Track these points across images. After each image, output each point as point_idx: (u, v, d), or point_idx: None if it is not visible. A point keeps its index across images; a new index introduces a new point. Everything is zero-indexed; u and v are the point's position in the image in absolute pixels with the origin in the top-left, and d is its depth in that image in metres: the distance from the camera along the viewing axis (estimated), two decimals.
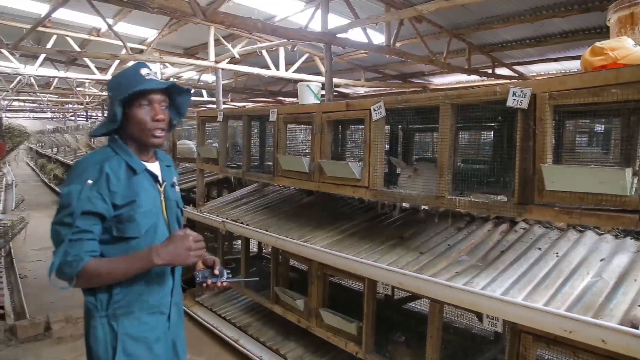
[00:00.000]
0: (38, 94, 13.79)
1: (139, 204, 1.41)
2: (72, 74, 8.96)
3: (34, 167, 18.55)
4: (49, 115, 24.44)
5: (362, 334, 2.44)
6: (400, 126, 3.09)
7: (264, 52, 7.22)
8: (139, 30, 7.21)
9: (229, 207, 3.94)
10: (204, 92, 11.83)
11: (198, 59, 7.63)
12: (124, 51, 6.43)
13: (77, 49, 7.06)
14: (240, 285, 3.54)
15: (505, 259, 2.17)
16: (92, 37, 7.34)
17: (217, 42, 7.00)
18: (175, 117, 1.58)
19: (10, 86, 10.95)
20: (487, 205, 1.89)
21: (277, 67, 7.54)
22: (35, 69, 7.77)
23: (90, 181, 1.34)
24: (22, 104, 18.85)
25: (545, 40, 6.51)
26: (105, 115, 1.52)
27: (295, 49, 6.93)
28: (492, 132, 2.75)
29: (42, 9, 5.95)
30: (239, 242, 3.93)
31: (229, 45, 7.05)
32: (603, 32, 5.56)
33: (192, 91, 10.66)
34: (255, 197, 4.08)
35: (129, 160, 1.44)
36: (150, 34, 7.36)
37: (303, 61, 7.91)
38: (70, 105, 17.71)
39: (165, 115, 1.48)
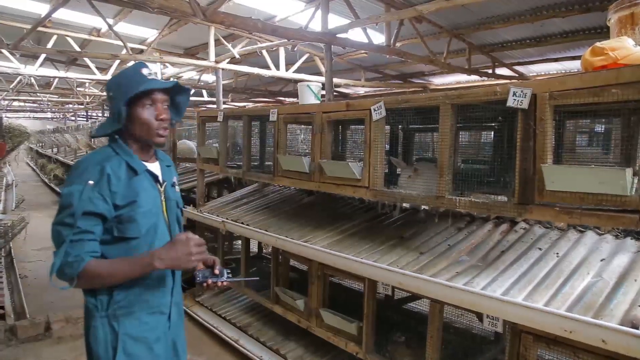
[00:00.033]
0: (38, 94, 13.79)
1: (140, 204, 1.41)
2: (72, 74, 8.96)
3: (34, 167, 18.55)
4: (49, 115, 24.45)
5: (363, 334, 2.44)
6: (400, 126, 3.09)
7: (264, 52, 7.22)
8: (139, 30, 7.21)
9: (229, 207, 3.94)
10: (204, 92, 11.84)
11: (198, 59, 7.63)
12: (124, 51, 6.43)
13: (78, 49, 7.06)
14: (240, 285, 3.55)
15: (505, 259, 2.17)
16: (93, 37, 7.34)
17: (217, 42, 7.00)
18: (174, 117, 1.58)
19: (11, 86, 10.95)
20: (487, 206, 1.89)
21: (277, 67, 7.54)
22: (36, 69, 7.77)
23: (91, 182, 1.34)
24: (22, 104, 18.85)
25: (545, 41, 6.51)
26: (107, 115, 1.51)
27: (295, 49, 6.93)
28: (493, 132, 2.75)
29: (43, 9, 5.95)
30: (239, 242, 3.93)
31: (229, 45, 7.05)
32: (603, 32, 5.56)
33: (192, 91, 10.71)
34: (256, 197, 4.08)
35: (129, 160, 1.44)
36: (150, 34, 7.36)
37: (303, 61, 7.91)
38: (70, 106, 17.71)
39: (168, 115, 1.49)
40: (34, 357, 3.27)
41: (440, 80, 10.41)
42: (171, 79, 6.75)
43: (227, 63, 7.28)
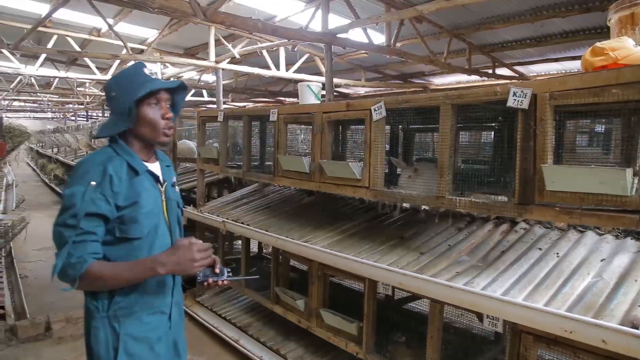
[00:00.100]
0: (38, 94, 13.79)
1: (141, 204, 1.41)
2: (72, 74, 8.96)
3: (35, 167, 18.56)
4: (49, 115, 24.43)
5: (363, 334, 2.44)
6: (400, 126, 3.09)
7: (265, 52, 7.22)
8: (139, 30, 7.21)
9: (229, 207, 3.94)
10: (204, 92, 11.83)
11: (198, 59, 7.63)
12: (124, 51, 6.43)
13: (78, 49, 7.06)
14: (240, 284, 3.55)
15: (505, 259, 2.17)
16: (93, 37, 7.34)
17: (218, 42, 7.00)
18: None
19: (11, 86, 10.95)
20: (487, 206, 1.89)
21: (277, 67, 7.54)
22: (36, 69, 7.78)
23: (93, 182, 1.33)
24: (22, 104, 18.84)
25: (545, 41, 6.51)
26: (110, 115, 1.51)
27: (295, 49, 6.93)
28: (493, 132, 2.75)
29: (43, 9, 5.95)
30: (240, 242, 3.93)
31: (230, 46, 7.05)
32: (604, 32, 5.56)
33: (193, 91, 10.64)
34: (256, 197, 4.09)
35: (130, 160, 1.44)
36: (150, 34, 7.36)
37: (303, 61, 7.91)
38: (70, 105, 17.71)
39: (172, 114, 1.50)
40: (34, 357, 3.27)
41: (441, 81, 10.41)
42: (171, 79, 6.76)
43: (227, 63, 7.28)
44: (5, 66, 7.50)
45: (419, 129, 3.22)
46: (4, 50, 6.29)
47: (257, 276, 1.89)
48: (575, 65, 7.64)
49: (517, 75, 8.11)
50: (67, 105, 17.87)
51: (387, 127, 2.60)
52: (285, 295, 3.04)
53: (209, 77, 10.84)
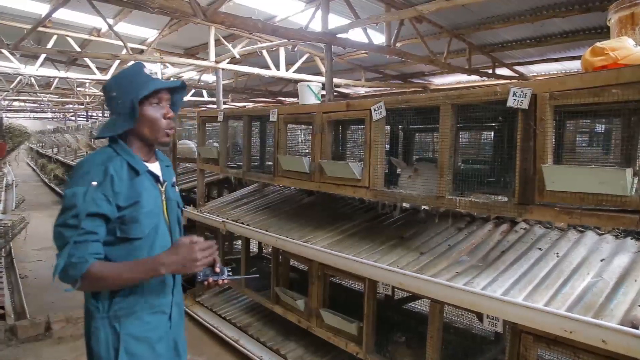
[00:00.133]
0: (38, 94, 13.79)
1: (142, 204, 1.41)
2: (72, 74, 8.96)
3: (35, 167, 18.56)
4: (49, 115, 24.42)
5: (363, 334, 2.44)
6: (400, 126, 3.09)
7: (265, 52, 7.22)
8: (139, 30, 7.21)
9: (229, 207, 3.94)
10: (204, 92, 11.83)
11: (198, 59, 7.63)
12: (124, 51, 6.43)
13: (78, 49, 7.06)
14: (240, 284, 3.55)
15: (505, 259, 2.17)
16: (93, 37, 7.34)
17: (218, 42, 7.00)
18: None
19: (11, 86, 10.95)
20: (487, 206, 1.89)
21: (277, 67, 7.54)
22: (36, 69, 7.77)
23: (95, 182, 1.33)
24: (22, 104, 18.84)
25: (545, 41, 6.51)
26: (110, 116, 1.50)
27: (295, 49, 6.93)
28: (493, 132, 2.75)
29: (43, 9, 5.95)
30: (240, 242, 3.93)
31: (230, 46, 7.05)
32: (604, 32, 5.56)
33: (193, 91, 10.64)
34: (256, 197, 4.08)
35: (130, 160, 1.44)
36: (150, 34, 7.36)
37: (303, 61, 7.91)
38: (70, 106, 17.70)
39: (172, 113, 1.51)
40: (34, 357, 3.27)
41: (441, 81, 10.41)
42: (171, 79, 6.77)
43: (227, 63, 7.28)
44: (5, 66, 7.50)
45: (419, 129, 3.22)
46: (4, 50, 6.29)
47: (257, 275, 1.89)
48: (575, 65, 7.64)
49: (517, 75, 8.11)
50: (67, 106, 17.87)
51: (387, 127, 2.60)
52: (285, 295, 3.04)
53: (209, 77, 10.84)
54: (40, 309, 3.92)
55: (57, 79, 10.51)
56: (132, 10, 5.70)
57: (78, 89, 12.15)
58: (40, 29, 5.99)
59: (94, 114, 20.79)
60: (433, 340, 2.08)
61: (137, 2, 3.54)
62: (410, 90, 9.93)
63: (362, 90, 11.74)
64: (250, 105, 14.32)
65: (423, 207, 2.95)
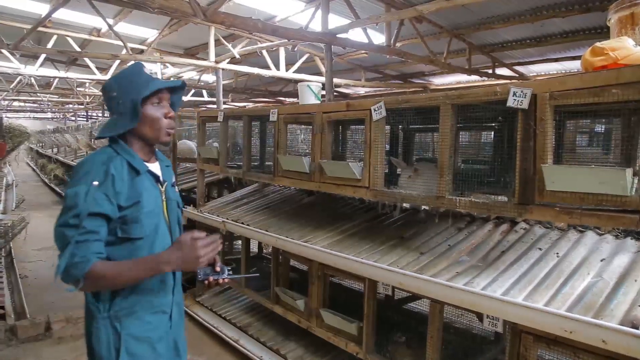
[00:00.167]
0: (38, 94, 13.79)
1: (143, 204, 1.41)
2: (72, 74, 8.96)
3: (35, 167, 18.56)
4: (49, 115, 24.43)
5: (363, 334, 2.44)
6: (400, 126, 3.09)
7: (265, 52, 7.22)
8: (139, 30, 7.21)
9: (229, 207, 3.94)
10: (204, 92, 11.84)
11: (198, 59, 7.63)
12: (124, 51, 6.43)
13: (78, 49, 7.06)
14: (240, 284, 3.55)
15: (505, 259, 2.17)
16: (93, 37, 7.34)
17: (218, 42, 7.00)
18: None
19: (11, 86, 10.96)
20: (487, 206, 1.89)
21: (277, 67, 7.54)
22: (36, 69, 7.77)
23: (96, 182, 1.33)
24: (22, 104, 18.84)
25: (545, 41, 6.51)
26: (112, 116, 1.50)
27: (295, 49, 6.93)
28: (493, 132, 2.75)
29: (43, 9, 5.95)
30: (240, 242, 3.93)
31: (230, 46, 7.05)
32: (603, 32, 5.56)
33: (193, 91, 10.63)
34: (256, 197, 4.09)
35: (131, 160, 1.44)
36: (150, 34, 7.36)
37: (303, 61, 7.91)
38: (70, 106, 17.71)
39: (173, 113, 1.51)
40: (34, 357, 3.27)
41: (441, 81, 10.41)
42: (171, 79, 6.77)
43: (227, 63, 7.28)
44: (5, 66, 7.50)
45: (419, 129, 3.22)
46: (4, 50, 6.29)
47: (258, 274, 1.89)
48: (575, 65, 7.64)
49: (517, 75, 8.11)
50: (67, 106, 17.88)
51: (387, 127, 2.61)
52: (285, 295, 3.04)
53: (209, 77, 10.84)
54: (40, 309, 3.92)
55: (57, 79, 10.52)
56: (132, 10, 5.70)
57: (78, 89, 12.16)
58: (40, 29, 5.99)
59: (94, 114, 20.79)
60: (433, 340, 2.08)
61: (137, 2, 3.54)
62: (410, 90, 9.94)
63: (362, 90, 11.74)
64: (250, 105, 14.32)
65: (423, 207, 2.95)
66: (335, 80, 7.96)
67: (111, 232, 1.37)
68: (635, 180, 1.50)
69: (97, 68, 8.32)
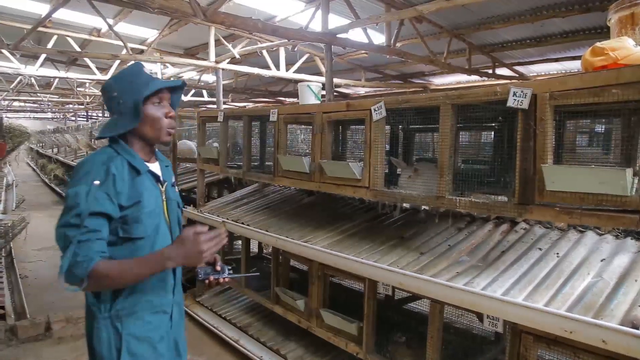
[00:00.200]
0: (38, 94, 13.80)
1: (144, 204, 1.41)
2: (72, 74, 8.96)
3: (35, 168, 18.57)
4: (49, 115, 24.42)
5: (363, 334, 2.44)
6: (400, 126, 3.09)
7: (265, 53, 7.22)
8: (139, 30, 7.22)
9: (229, 207, 3.94)
10: (204, 92, 11.84)
11: (198, 59, 7.63)
12: (124, 51, 6.43)
13: (78, 49, 7.06)
14: (241, 284, 3.55)
15: (505, 259, 2.16)
16: (93, 38, 7.35)
17: (218, 42, 7.00)
18: None
19: (11, 86, 10.96)
20: (487, 206, 1.89)
21: (277, 68, 7.54)
22: (36, 69, 7.78)
23: (97, 182, 1.32)
24: (22, 104, 18.84)
25: (545, 41, 6.51)
26: (112, 116, 1.50)
27: (295, 49, 6.93)
28: (493, 133, 2.75)
29: (43, 9, 5.95)
30: (240, 242, 3.93)
31: (230, 46, 7.06)
32: (604, 32, 5.56)
33: (193, 91, 10.63)
34: (256, 198, 4.08)
35: (131, 160, 1.43)
36: (150, 34, 7.36)
37: (303, 61, 7.91)
38: (70, 106, 17.71)
39: (174, 112, 1.51)
40: (34, 357, 3.27)
41: (441, 81, 10.41)
42: (171, 79, 6.77)
43: (227, 63, 7.28)
44: (5, 66, 7.50)
45: (419, 129, 3.22)
46: (4, 51, 6.29)
47: (258, 273, 1.89)
48: (575, 65, 7.64)
49: (517, 75, 8.12)
50: (67, 106, 17.88)
51: (387, 127, 2.61)
52: (285, 295, 3.04)
53: (209, 77, 10.85)
54: (40, 309, 3.92)
55: (57, 79, 10.53)
56: (132, 10, 5.71)
57: (78, 89, 12.16)
58: (40, 29, 6.00)
59: (94, 114, 20.80)
60: (433, 340, 2.08)
61: (137, 2, 3.54)
62: (411, 90, 9.94)
63: (362, 90, 11.75)
64: (250, 105, 14.32)
65: (423, 207, 2.95)
66: (336, 80, 7.96)
67: (112, 232, 1.37)
68: (635, 181, 1.50)
69: (97, 68, 8.32)
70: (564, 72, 8.22)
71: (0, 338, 3.41)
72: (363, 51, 7.53)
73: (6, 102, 17.87)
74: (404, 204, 2.96)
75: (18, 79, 10.46)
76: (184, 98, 12.01)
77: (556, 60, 7.51)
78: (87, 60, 7.81)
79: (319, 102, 3.37)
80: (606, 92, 1.50)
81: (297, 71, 7.85)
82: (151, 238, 1.43)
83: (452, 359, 2.57)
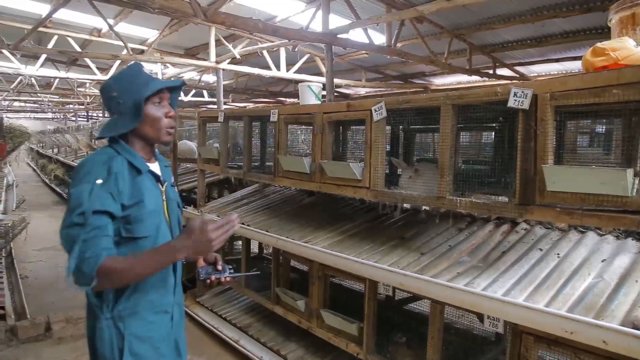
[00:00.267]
0: (39, 95, 13.80)
1: (145, 204, 1.40)
2: (73, 75, 8.96)
3: (35, 168, 18.58)
4: (49, 115, 24.43)
5: (363, 334, 2.44)
6: (401, 127, 3.09)
7: (265, 53, 7.22)
8: (139, 30, 7.22)
9: (229, 207, 3.94)
10: (204, 92, 11.84)
11: (199, 59, 7.63)
12: (125, 52, 6.43)
13: (78, 49, 7.06)
14: (241, 284, 3.55)
15: (506, 260, 2.16)
16: (93, 38, 7.35)
17: (218, 42, 7.00)
18: None
19: (11, 87, 10.96)
20: (488, 206, 1.89)
21: (278, 68, 7.54)
22: (36, 70, 7.78)
23: (99, 180, 1.32)
24: (23, 104, 18.83)
25: (546, 41, 6.50)
26: (112, 116, 1.50)
27: (296, 49, 6.92)
28: (493, 133, 2.75)
29: (43, 10, 5.95)
30: (240, 242, 3.93)
31: (230, 46, 7.06)
32: (604, 33, 5.56)
33: (193, 91, 10.63)
34: (256, 198, 4.08)
35: (132, 160, 1.43)
36: (151, 34, 7.36)
37: (304, 62, 7.91)
38: (71, 106, 17.71)
39: (174, 112, 1.51)
40: (35, 357, 3.27)
41: (441, 81, 10.41)
42: (171, 79, 6.78)
43: (228, 63, 7.28)
44: (6, 66, 7.50)
45: (419, 129, 3.21)
46: (4, 51, 6.29)
47: (259, 272, 1.89)
48: (576, 66, 7.64)
49: (518, 76, 8.11)
50: (68, 106, 17.88)
51: (388, 127, 2.60)
52: (285, 295, 3.04)
53: (210, 78, 10.85)
54: (40, 309, 3.92)
55: (57, 79, 10.52)
56: (132, 10, 5.71)
57: (78, 89, 12.16)
58: (40, 29, 5.99)
59: (95, 114, 20.81)
60: (434, 340, 2.08)
61: (137, 2, 3.54)
62: (411, 90, 9.94)
63: (362, 91, 11.74)
64: (250, 105, 14.33)
65: (424, 207, 2.95)
66: (336, 81, 7.96)
67: (115, 233, 1.36)
68: (636, 181, 1.50)
69: (98, 68, 8.33)
70: (564, 72, 8.21)
71: (0, 338, 3.41)
72: (364, 51, 7.53)
73: (6, 103, 17.86)
74: (405, 205, 2.96)
75: (18, 79, 10.46)
76: (184, 98, 12.03)
77: (557, 60, 7.51)
78: (88, 60, 7.81)
79: (319, 102, 3.37)
80: (607, 93, 1.50)
81: (298, 71, 7.85)
82: (153, 238, 1.43)
83: (452, 359, 2.57)
